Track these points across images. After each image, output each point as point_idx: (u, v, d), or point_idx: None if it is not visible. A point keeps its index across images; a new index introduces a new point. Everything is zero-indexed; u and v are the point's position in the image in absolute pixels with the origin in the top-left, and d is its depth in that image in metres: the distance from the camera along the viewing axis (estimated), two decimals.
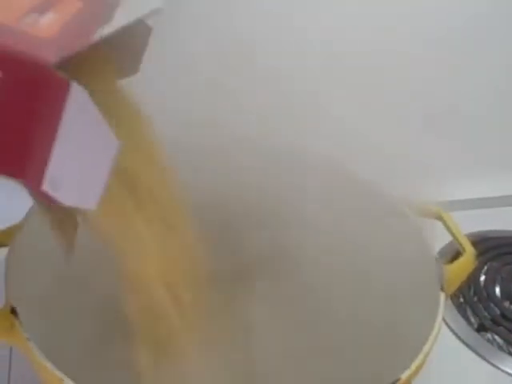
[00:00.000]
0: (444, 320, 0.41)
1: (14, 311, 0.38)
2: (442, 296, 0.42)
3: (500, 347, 0.58)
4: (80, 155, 0.25)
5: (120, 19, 0.26)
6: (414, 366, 0.38)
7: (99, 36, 0.25)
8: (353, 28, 0.52)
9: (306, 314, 0.52)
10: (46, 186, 0.24)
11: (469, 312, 0.61)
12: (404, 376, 0.37)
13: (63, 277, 0.45)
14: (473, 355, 0.57)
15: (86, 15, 0.27)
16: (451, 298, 0.61)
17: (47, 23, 0.24)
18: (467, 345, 0.58)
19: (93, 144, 0.26)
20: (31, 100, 0.23)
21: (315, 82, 0.49)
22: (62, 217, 0.28)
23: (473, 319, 0.61)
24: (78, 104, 0.24)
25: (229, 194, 0.51)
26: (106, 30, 0.26)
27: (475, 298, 0.63)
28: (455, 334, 0.59)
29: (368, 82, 0.51)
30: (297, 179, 0.51)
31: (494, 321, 0.60)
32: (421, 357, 0.38)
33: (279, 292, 0.52)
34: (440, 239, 0.50)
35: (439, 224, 0.49)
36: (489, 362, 0.57)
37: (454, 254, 0.57)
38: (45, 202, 0.25)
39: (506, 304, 0.62)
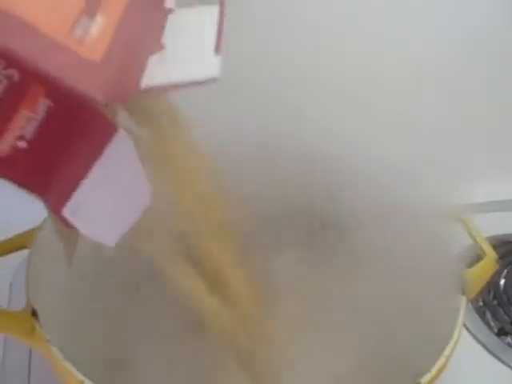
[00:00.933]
0: (464, 324, 0.41)
1: (34, 313, 0.38)
2: (463, 300, 0.42)
3: None
4: (109, 195, 0.26)
5: (173, 74, 0.27)
6: (434, 370, 0.38)
7: (150, 85, 0.26)
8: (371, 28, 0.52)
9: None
10: (65, 212, 0.25)
11: (488, 316, 0.61)
12: (424, 380, 0.37)
13: (84, 278, 0.45)
14: (493, 359, 0.57)
15: (135, 17, 0.27)
16: (471, 302, 0.60)
17: (96, 34, 0.24)
18: (487, 349, 0.58)
19: (125, 189, 0.26)
20: (73, 133, 0.23)
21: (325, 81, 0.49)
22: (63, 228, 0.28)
23: (493, 323, 0.60)
24: (119, 150, 0.24)
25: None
26: (157, 80, 0.26)
27: (495, 302, 0.62)
28: (475, 337, 0.58)
29: (385, 81, 0.51)
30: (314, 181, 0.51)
31: None
32: (441, 361, 0.38)
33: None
34: (460, 242, 0.50)
35: (459, 227, 0.49)
36: (509, 366, 0.56)
37: (475, 258, 0.57)
38: (59, 221, 0.25)
39: None
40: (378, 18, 0.54)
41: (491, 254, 0.46)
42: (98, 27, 0.25)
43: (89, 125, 0.23)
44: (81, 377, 0.35)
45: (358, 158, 0.50)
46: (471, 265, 0.47)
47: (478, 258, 0.48)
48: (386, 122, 0.48)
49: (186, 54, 0.29)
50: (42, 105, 0.22)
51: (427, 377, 0.37)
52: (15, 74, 0.21)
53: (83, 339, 0.42)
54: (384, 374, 0.45)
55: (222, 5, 0.32)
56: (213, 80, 0.28)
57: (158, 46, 0.28)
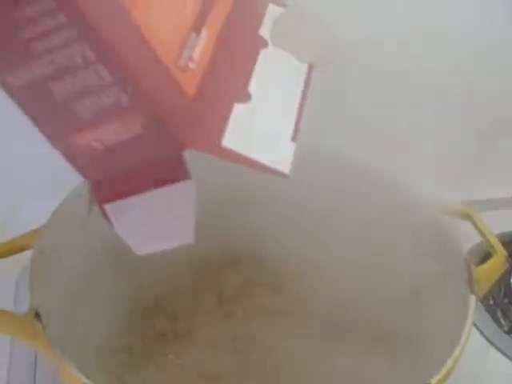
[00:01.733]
0: (473, 322, 0.40)
1: (37, 315, 0.38)
2: (473, 299, 0.41)
3: None
4: (154, 218, 0.26)
5: (254, 147, 0.25)
6: (443, 371, 0.37)
7: (232, 149, 0.25)
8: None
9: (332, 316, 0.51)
10: (108, 208, 0.25)
11: (499, 314, 0.60)
12: (433, 381, 0.37)
13: (87, 280, 0.45)
14: (503, 358, 0.56)
15: (230, 43, 0.27)
16: (481, 300, 0.60)
17: (197, 61, 0.24)
18: (497, 347, 0.57)
19: (172, 223, 0.26)
20: (146, 159, 0.24)
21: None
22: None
23: (503, 321, 0.60)
24: (182, 192, 0.25)
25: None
26: (238, 146, 0.25)
27: (505, 300, 0.62)
28: (485, 336, 0.58)
29: (396, 79, 0.50)
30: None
31: None
32: (450, 361, 0.38)
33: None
34: (469, 240, 0.49)
35: (469, 224, 0.48)
36: None
37: (484, 255, 0.57)
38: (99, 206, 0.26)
39: None
40: (377, 18, 0.54)
41: (501, 252, 0.46)
42: (200, 52, 0.25)
43: (165, 162, 0.24)
44: (84, 379, 0.35)
45: (359, 159, 0.49)
46: (481, 263, 0.47)
47: (488, 255, 0.47)
48: (386, 122, 0.48)
49: (266, 125, 0.27)
50: (134, 131, 0.23)
51: (437, 377, 0.37)
52: (125, 100, 0.22)
53: (87, 341, 0.42)
54: (393, 375, 0.45)
55: (310, 68, 0.30)
56: (283, 176, 0.26)
57: (244, 95, 0.26)
